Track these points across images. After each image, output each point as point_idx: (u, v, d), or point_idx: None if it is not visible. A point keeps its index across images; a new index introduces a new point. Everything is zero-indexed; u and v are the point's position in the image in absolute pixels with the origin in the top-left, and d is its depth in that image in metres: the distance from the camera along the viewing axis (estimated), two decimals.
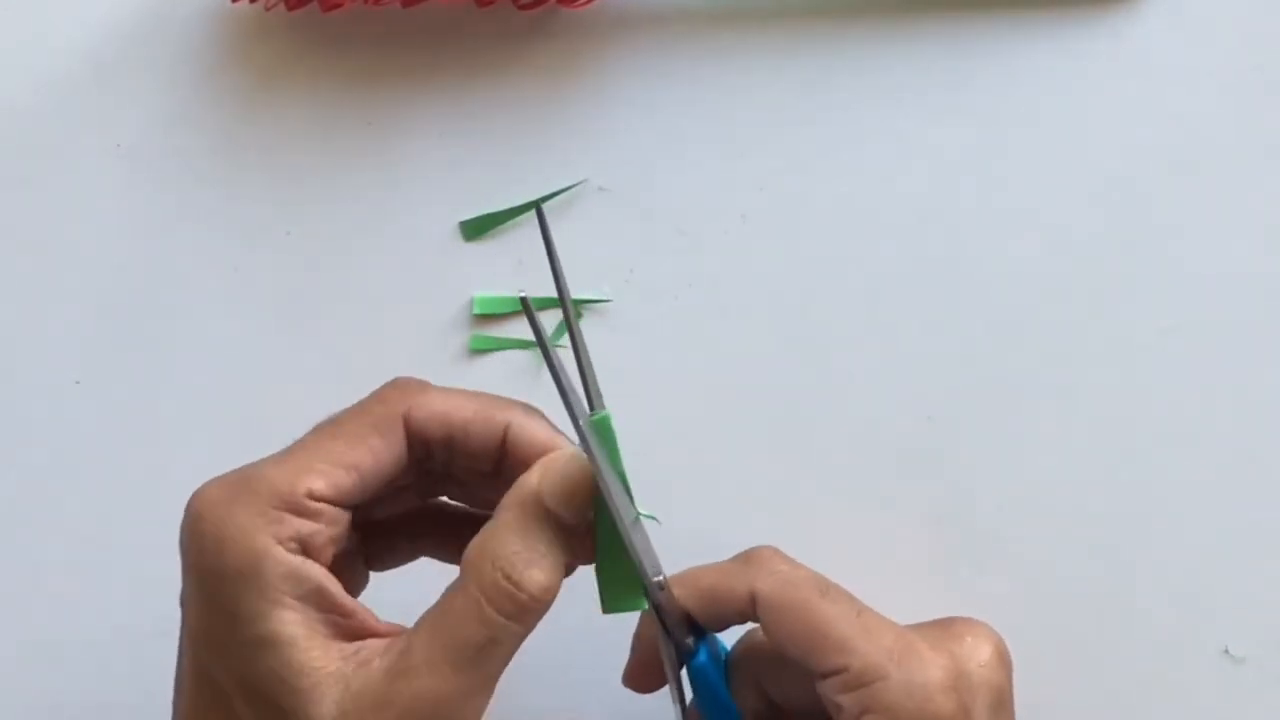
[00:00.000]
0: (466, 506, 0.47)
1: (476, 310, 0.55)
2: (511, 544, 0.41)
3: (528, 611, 0.40)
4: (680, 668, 0.45)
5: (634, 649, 0.47)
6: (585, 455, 0.41)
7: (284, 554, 0.40)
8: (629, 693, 0.48)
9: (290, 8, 0.54)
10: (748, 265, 0.55)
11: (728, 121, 0.55)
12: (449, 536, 0.45)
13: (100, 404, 0.55)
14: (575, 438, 0.42)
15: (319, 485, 0.41)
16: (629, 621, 0.47)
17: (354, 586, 0.46)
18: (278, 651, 0.40)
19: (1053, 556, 0.54)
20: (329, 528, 0.41)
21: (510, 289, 0.55)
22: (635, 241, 0.55)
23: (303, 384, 0.55)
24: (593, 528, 0.42)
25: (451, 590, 0.41)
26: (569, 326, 0.43)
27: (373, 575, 0.47)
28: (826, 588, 0.44)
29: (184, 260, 0.55)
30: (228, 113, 0.56)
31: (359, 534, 0.46)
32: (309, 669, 0.40)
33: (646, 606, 0.43)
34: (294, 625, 0.40)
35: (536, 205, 0.43)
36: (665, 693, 0.46)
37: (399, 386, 0.44)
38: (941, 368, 0.54)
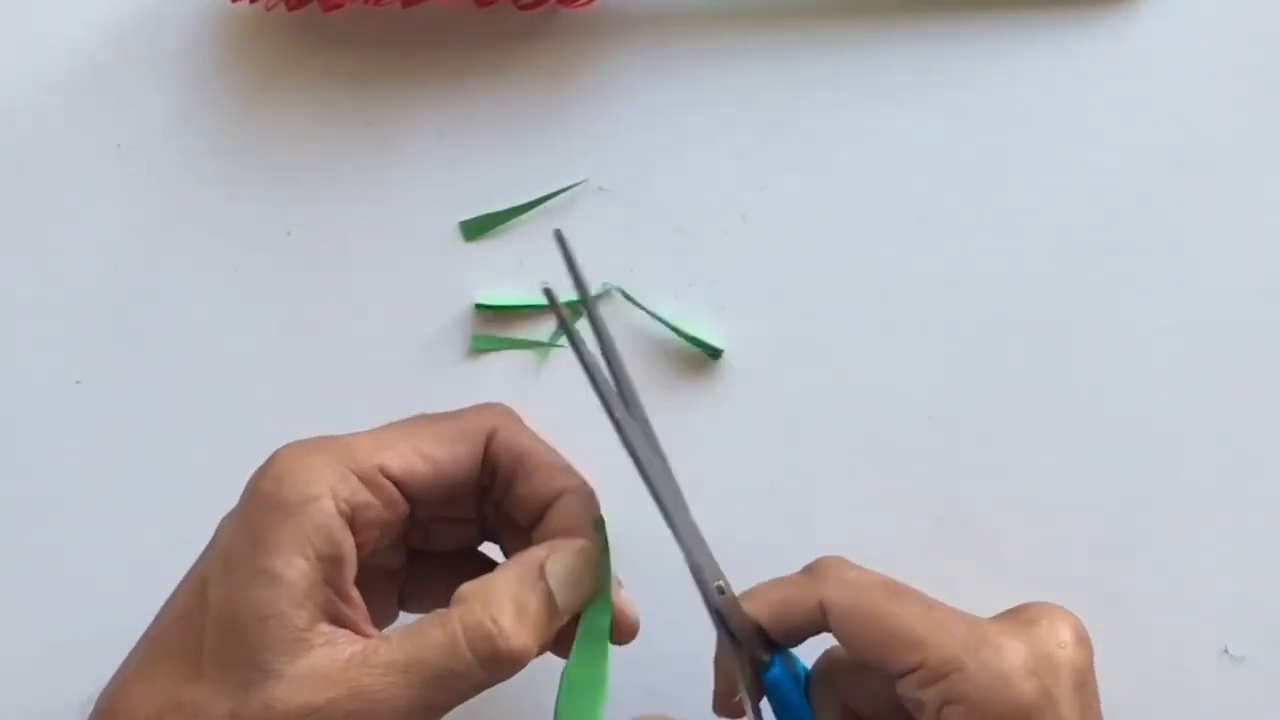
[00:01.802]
0: None
1: (478, 314, 0.55)
2: (505, 597, 0.42)
3: (498, 661, 0.41)
4: (756, 682, 0.45)
5: (719, 677, 0.47)
6: (592, 550, 0.43)
7: (330, 508, 0.42)
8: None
9: (290, 8, 0.54)
10: (748, 265, 0.55)
11: (728, 121, 0.55)
12: None
13: (100, 404, 0.55)
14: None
15: (394, 463, 0.43)
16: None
17: (381, 614, 0.47)
18: (274, 590, 0.41)
19: (1053, 556, 0.54)
20: (385, 510, 0.43)
21: (511, 289, 0.55)
22: (635, 241, 0.55)
23: (303, 384, 0.55)
24: (575, 624, 0.44)
25: (437, 615, 0.42)
26: (602, 342, 0.44)
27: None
28: (895, 589, 0.44)
29: (184, 260, 0.55)
30: (228, 113, 0.56)
31: (407, 562, 0.47)
32: (289, 624, 0.41)
33: None
34: (300, 576, 0.41)
35: (558, 234, 0.44)
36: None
37: (497, 410, 0.46)
38: (941, 368, 0.54)
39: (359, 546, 0.42)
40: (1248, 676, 0.53)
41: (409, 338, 0.55)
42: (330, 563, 0.41)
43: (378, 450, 0.43)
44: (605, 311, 0.55)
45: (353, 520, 0.42)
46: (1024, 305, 0.54)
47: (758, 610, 0.45)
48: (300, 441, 0.44)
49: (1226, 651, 0.53)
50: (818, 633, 0.45)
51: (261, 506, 0.42)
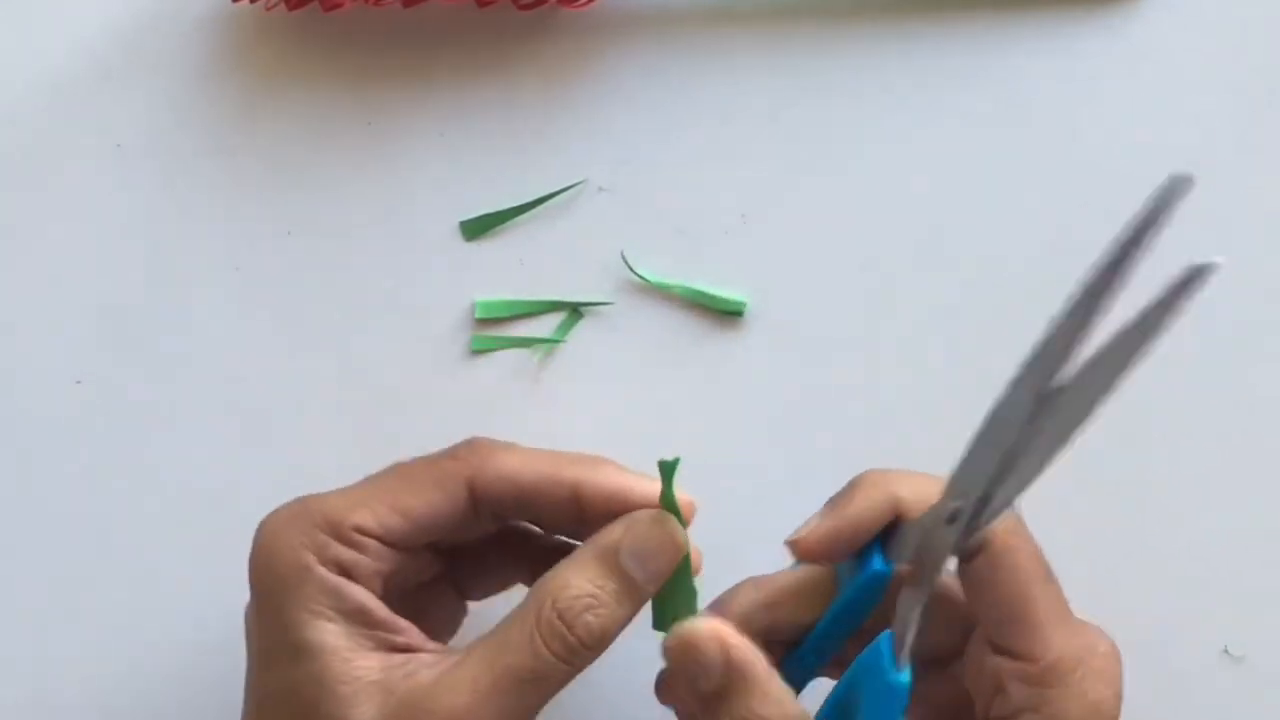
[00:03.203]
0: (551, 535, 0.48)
1: (478, 315, 0.55)
2: (574, 587, 0.42)
3: (576, 654, 0.42)
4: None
5: (832, 517, 0.45)
6: (672, 522, 0.43)
7: (325, 572, 0.42)
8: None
9: (290, 8, 0.54)
10: (748, 265, 0.55)
11: (728, 121, 0.55)
12: (539, 564, 0.45)
13: (100, 404, 0.55)
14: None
15: (367, 520, 0.43)
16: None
17: (448, 617, 0.48)
18: (318, 658, 0.41)
19: (1051, 556, 0.54)
20: (374, 561, 0.43)
21: (511, 289, 0.55)
22: (635, 241, 0.55)
23: (303, 384, 0.55)
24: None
25: (512, 617, 0.42)
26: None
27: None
28: (1050, 572, 0.44)
29: (184, 260, 0.55)
30: (228, 113, 0.56)
31: (445, 563, 0.47)
32: (349, 676, 0.41)
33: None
34: (334, 635, 0.42)
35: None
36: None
37: (474, 447, 0.45)
38: (940, 367, 0.54)
39: (370, 590, 0.43)
40: (1248, 676, 0.53)
41: (409, 338, 0.55)
42: (355, 612, 0.42)
43: (352, 511, 0.43)
44: (604, 313, 0.55)
45: (348, 574, 0.43)
46: (1024, 305, 0.54)
47: (909, 493, 0.43)
48: (278, 512, 0.44)
49: (1226, 651, 0.53)
50: (948, 555, 0.42)
51: (267, 591, 0.43)
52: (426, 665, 0.42)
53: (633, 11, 0.55)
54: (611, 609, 0.42)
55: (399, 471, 0.45)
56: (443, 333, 0.55)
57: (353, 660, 0.41)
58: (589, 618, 0.42)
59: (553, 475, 0.44)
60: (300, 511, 0.43)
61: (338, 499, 0.44)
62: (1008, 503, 0.41)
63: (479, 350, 0.55)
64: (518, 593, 0.47)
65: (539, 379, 0.55)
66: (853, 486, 0.45)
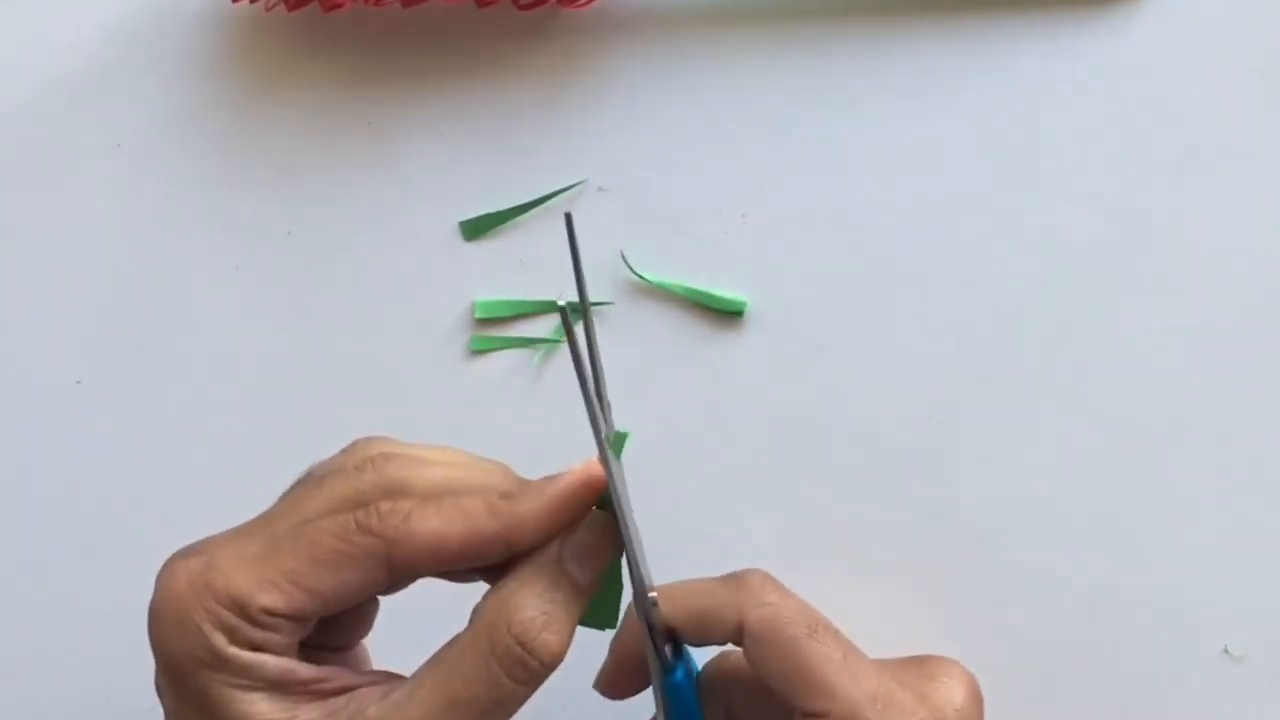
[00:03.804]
0: None
1: (478, 315, 0.55)
2: (528, 608, 0.41)
3: (537, 676, 0.41)
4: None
5: (613, 655, 0.47)
6: (605, 518, 0.42)
7: (238, 653, 0.40)
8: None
9: (290, 8, 0.54)
10: (748, 265, 0.55)
11: (728, 121, 0.55)
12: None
13: (101, 404, 0.55)
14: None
15: (277, 603, 0.40)
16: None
17: (358, 618, 0.46)
18: None
19: (1052, 556, 0.54)
20: (286, 637, 0.41)
21: (511, 289, 0.55)
22: (635, 241, 0.55)
23: (303, 383, 0.55)
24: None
25: (461, 645, 0.41)
26: (588, 332, 0.42)
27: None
28: (815, 625, 0.44)
29: (184, 260, 0.55)
30: (228, 113, 0.56)
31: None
32: None
33: (615, 627, 0.44)
34: (262, 704, 0.40)
35: (568, 217, 0.42)
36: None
37: (385, 516, 0.41)
38: (941, 368, 0.54)
39: (287, 658, 0.41)
40: (1248, 676, 0.53)
41: (409, 338, 0.55)
42: (276, 683, 0.40)
43: (259, 591, 0.40)
44: (605, 313, 0.55)
45: (264, 650, 0.40)
46: (1024, 305, 0.54)
47: (674, 614, 0.44)
48: (179, 580, 0.41)
49: (1226, 651, 0.53)
50: (726, 644, 0.45)
51: (180, 671, 0.40)
52: (374, 700, 0.40)
53: (633, 11, 0.55)
54: (566, 620, 0.41)
55: (304, 539, 0.41)
56: (443, 333, 0.55)
57: (291, 718, 0.40)
58: (548, 637, 0.40)
59: (478, 535, 0.41)
60: (200, 586, 0.40)
61: (240, 572, 0.40)
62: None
63: (479, 350, 0.55)
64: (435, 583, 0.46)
65: (539, 379, 0.55)
66: (623, 620, 0.46)
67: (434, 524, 0.41)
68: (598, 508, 0.42)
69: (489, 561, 0.42)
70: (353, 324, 0.55)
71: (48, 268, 0.56)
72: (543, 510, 0.41)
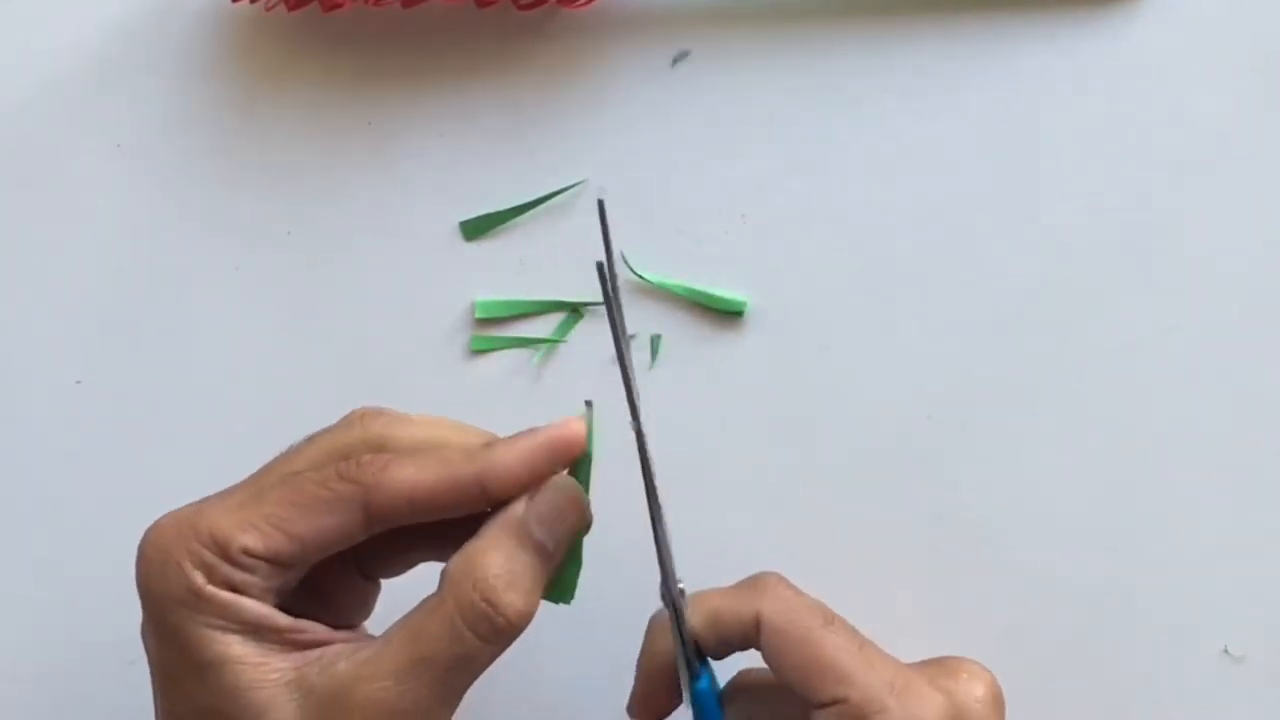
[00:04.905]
0: None
1: (478, 315, 0.55)
2: (493, 566, 0.42)
3: (503, 634, 0.42)
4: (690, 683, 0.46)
5: (641, 672, 0.47)
6: (574, 484, 0.43)
7: (216, 591, 0.41)
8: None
9: (290, 8, 0.54)
10: (748, 265, 0.55)
11: (728, 121, 0.55)
12: (445, 540, 0.45)
13: (101, 404, 0.55)
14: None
15: (255, 544, 0.41)
16: (608, 623, 0.48)
17: (357, 599, 0.47)
18: (227, 671, 0.41)
19: (1052, 556, 0.54)
20: (264, 580, 0.42)
21: (511, 289, 0.55)
22: (635, 241, 0.55)
23: (303, 383, 0.55)
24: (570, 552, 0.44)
25: (429, 604, 0.42)
26: (617, 314, 0.44)
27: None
28: (830, 618, 0.44)
29: (184, 260, 0.55)
30: (228, 113, 0.56)
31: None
32: (261, 682, 0.41)
33: (570, 601, 0.44)
34: (238, 645, 0.41)
35: (600, 201, 0.44)
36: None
37: (364, 465, 0.42)
38: (941, 368, 0.54)
39: (265, 602, 0.42)
40: (1248, 676, 0.53)
41: (409, 338, 0.55)
42: (252, 625, 0.41)
43: (239, 531, 0.41)
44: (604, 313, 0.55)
45: (239, 591, 0.41)
46: (1024, 305, 0.54)
47: (694, 616, 0.45)
48: (164, 525, 0.43)
49: (1226, 651, 0.53)
50: (747, 648, 0.45)
51: (159, 612, 0.41)
52: (344, 656, 0.41)
53: (633, 11, 0.55)
54: (531, 580, 0.42)
55: (287, 486, 0.42)
56: (443, 333, 0.55)
57: (262, 665, 0.41)
58: (512, 596, 0.41)
59: (453, 479, 0.42)
60: (185, 527, 0.42)
61: (223, 515, 0.42)
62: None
63: (479, 350, 0.55)
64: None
65: (539, 379, 0.55)
66: (645, 636, 0.46)
67: (410, 470, 0.42)
68: (571, 474, 0.43)
69: (466, 510, 0.43)
70: (353, 324, 0.55)
71: (48, 268, 0.56)
72: (518, 457, 0.43)
